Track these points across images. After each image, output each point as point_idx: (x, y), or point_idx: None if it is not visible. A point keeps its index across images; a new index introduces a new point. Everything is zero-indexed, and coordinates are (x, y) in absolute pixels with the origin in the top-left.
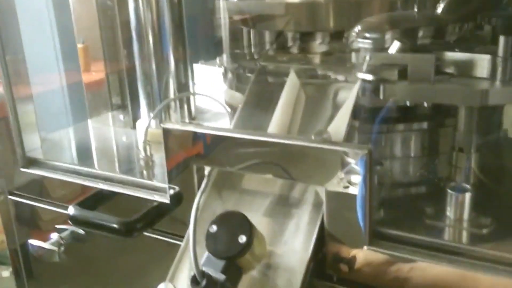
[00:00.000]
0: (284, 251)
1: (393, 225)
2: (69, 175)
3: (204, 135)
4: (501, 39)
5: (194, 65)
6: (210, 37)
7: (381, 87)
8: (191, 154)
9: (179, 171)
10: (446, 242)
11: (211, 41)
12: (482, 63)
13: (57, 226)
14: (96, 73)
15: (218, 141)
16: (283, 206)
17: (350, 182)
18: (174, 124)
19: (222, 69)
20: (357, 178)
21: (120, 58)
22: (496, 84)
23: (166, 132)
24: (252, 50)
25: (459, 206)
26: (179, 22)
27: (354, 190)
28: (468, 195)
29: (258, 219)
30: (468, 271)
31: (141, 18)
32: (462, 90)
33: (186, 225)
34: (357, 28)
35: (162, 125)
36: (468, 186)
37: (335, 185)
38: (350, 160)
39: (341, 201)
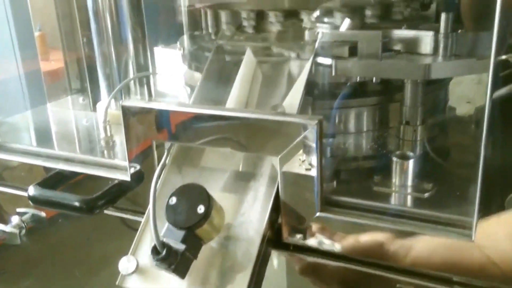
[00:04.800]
0: (242, 222)
1: (344, 194)
2: (28, 157)
3: (163, 111)
4: (443, 16)
5: (154, 48)
6: (171, 22)
7: (333, 63)
8: (151, 132)
9: (139, 149)
10: (390, 205)
11: (172, 26)
12: (426, 39)
13: (18, 210)
14: (55, 61)
15: (177, 117)
16: (241, 181)
17: (311, 164)
18: (133, 101)
19: (181, 51)
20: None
21: (78, 42)
22: (438, 59)
23: (126, 110)
24: (210, 31)
25: (403, 173)
26: (137, 4)
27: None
28: (411, 162)
29: (218, 194)
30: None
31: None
32: (407, 65)
33: (147, 202)
34: (315, 13)
35: (121, 102)
36: (411, 154)
37: (297, 167)
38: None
39: (297, 178)
